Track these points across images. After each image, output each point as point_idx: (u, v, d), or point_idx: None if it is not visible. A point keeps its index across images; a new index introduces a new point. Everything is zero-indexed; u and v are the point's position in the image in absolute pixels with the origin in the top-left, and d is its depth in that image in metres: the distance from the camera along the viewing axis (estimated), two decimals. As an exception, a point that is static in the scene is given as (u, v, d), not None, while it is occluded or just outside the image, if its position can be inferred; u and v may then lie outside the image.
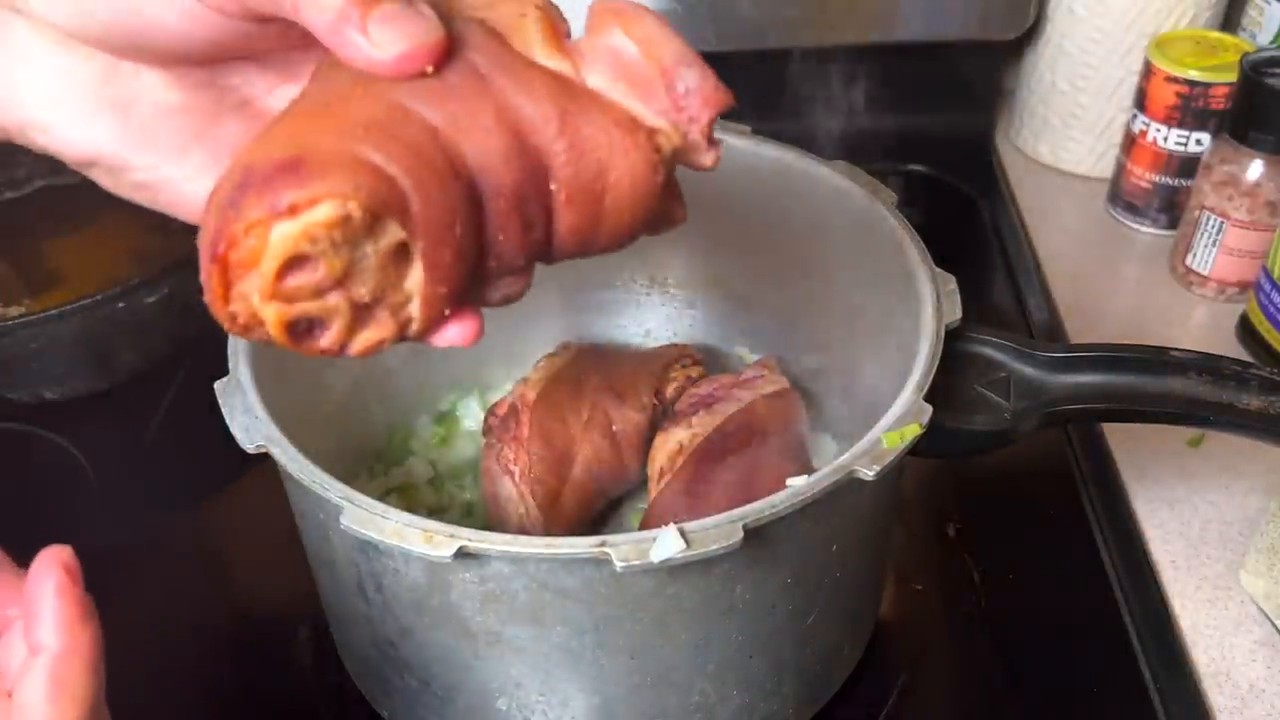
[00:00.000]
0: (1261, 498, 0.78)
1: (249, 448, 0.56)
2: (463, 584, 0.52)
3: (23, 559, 0.79)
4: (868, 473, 0.53)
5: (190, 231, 0.40)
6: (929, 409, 0.56)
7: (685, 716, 0.59)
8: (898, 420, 0.55)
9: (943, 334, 0.60)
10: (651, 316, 0.87)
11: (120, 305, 0.85)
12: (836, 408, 0.78)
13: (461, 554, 0.49)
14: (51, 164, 1.20)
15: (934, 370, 0.58)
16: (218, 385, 0.59)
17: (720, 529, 0.50)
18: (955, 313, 0.62)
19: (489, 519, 0.73)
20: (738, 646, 0.57)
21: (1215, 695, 0.67)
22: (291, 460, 0.54)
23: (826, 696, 0.66)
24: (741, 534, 0.49)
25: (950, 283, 0.63)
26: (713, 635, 0.56)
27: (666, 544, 0.49)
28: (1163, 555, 0.75)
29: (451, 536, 0.49)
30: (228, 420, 0.57)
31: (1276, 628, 0.70)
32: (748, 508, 0.51)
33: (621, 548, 0.49)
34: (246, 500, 0.83)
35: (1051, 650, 0.71)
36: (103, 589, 0.76)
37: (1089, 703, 0.68)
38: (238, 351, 0.60)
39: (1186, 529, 0.77)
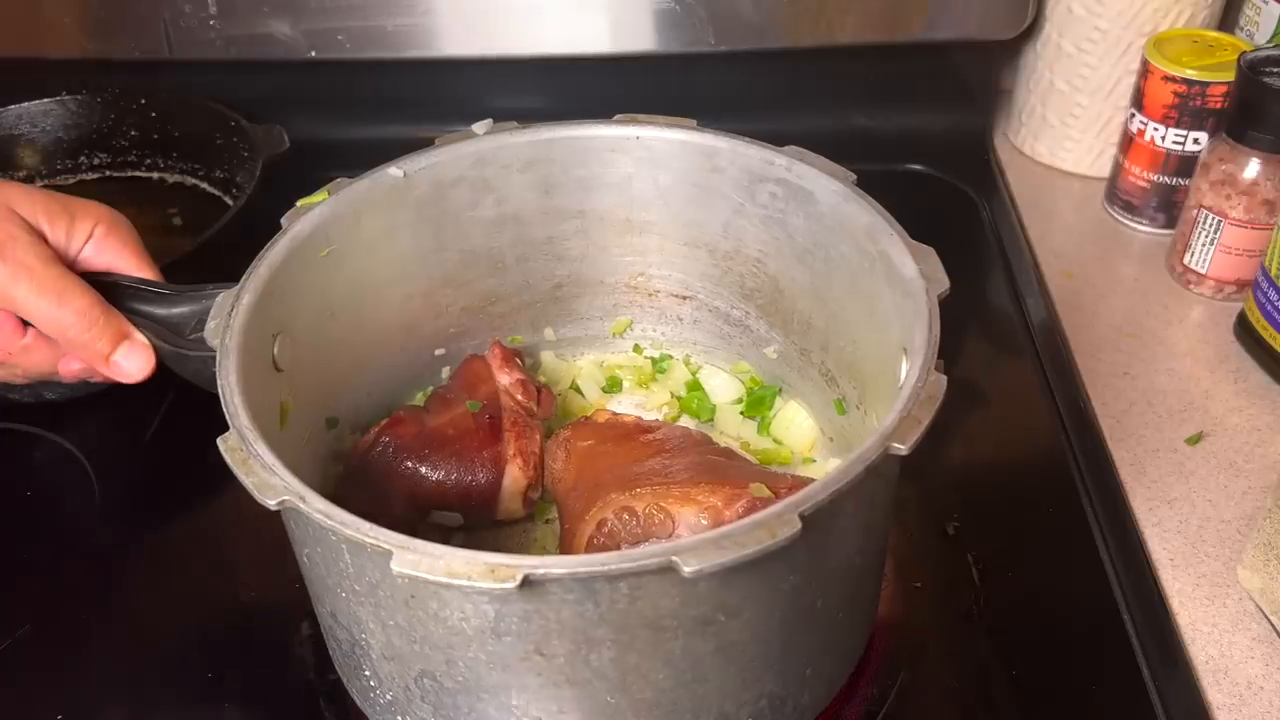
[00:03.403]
0: (1259, 495, 0.78)
1: (270, 505, 0.54)
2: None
3: (23, 558, 0.80)
4: (901, 448, 0.54)
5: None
6: (944, 381, 0.57)
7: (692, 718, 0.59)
8: (914, 396, 0.56)
9: (937, 306, 0.61)
10: (645, 317, 0.88)
11: (120, 305, 0.85)
12: (828, 388, 0.79)
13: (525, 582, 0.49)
14: (51, 164, 1.21)
15: (937, 342, 0.59)
16: (221, 442, 0.57)
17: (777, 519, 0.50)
18: (944, 283, 0.63)
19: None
20: (740, 649, 0.57)
21: (1213, 692, 0.67)
22: (322, 513, 0.52)
23: (828, 696, 0.66)
24: (799, 524, 0.50)
25: (931, 255, 0.64)
26: (725, 640, 0.56)
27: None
28: (1161, 553, 0.75)
29: (514, 566, 0.49)
30: (240, 478, 0.55)
31: (1273, 624, 0.70)
32: (795, 498, 0.51)
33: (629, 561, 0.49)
34: (246, 500, 0.82)
35: (1050, 647, 0.71)
36: (103, 589, 0.76)
37: (1088, 700, 0.68)
38: (236, 407, 0.59)
39: (1185, 527, 0.77)
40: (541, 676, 0.55)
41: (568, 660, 0.54)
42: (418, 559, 0.49)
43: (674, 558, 0.48)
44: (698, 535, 0.50)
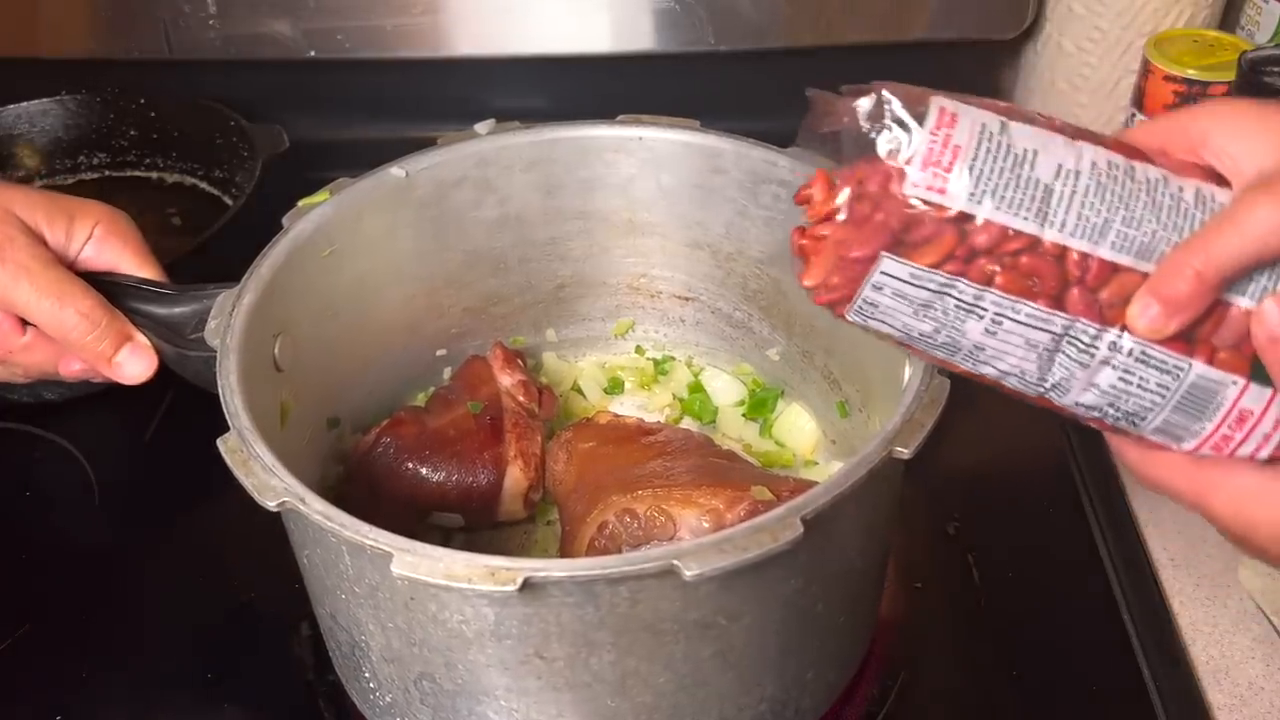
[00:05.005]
0: (1260, 496, 0.78)
1: (270, 507, 0.54)
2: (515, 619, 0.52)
3: (23, 558, 0.80)
4: (904, 451, 0.53)
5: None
6: (947, 384, 0.56)
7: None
8: (917, 399, 0.56)
9: None
10: (647, 318, 0.87)
11: (120, 305, 0.85)
12: (830, 391, 0.78)
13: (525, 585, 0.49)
14: (50, 164, 1.21)
15: None
16: (221, 443, 0.57)
17: (779, 523, 0.50)
18: None
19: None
20: (740, 653, 0.57)
21: (1214, 693, 0.67)
22: (322, 514, 0.52)
23: (829, 700, 0.66)
24: (801, 528, 0.50)
25: None
26: (725, 644, 0.56)
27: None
28: (1161, 553, 0.75)
29: (509, 570, 0.49)
30: (240, 479, 0.55)
31: (1274, 625, 0.70)
32: (796, 501, 0.51)
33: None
34: (246, 501, 0.83)
35: (1050, 647, 0.71)
36: (103, 589, 0.76)
37: (1088, 701, 0.68)
38: (237, 408, 0.59)
39: (1185, 527, 0.77)
40: (541, 680, 0.55)
41: (567, 663, 0.54)
42: (417, 561, 0.49)
43: (675, 561, 0.48)
44: (699, 538, 0.50)
